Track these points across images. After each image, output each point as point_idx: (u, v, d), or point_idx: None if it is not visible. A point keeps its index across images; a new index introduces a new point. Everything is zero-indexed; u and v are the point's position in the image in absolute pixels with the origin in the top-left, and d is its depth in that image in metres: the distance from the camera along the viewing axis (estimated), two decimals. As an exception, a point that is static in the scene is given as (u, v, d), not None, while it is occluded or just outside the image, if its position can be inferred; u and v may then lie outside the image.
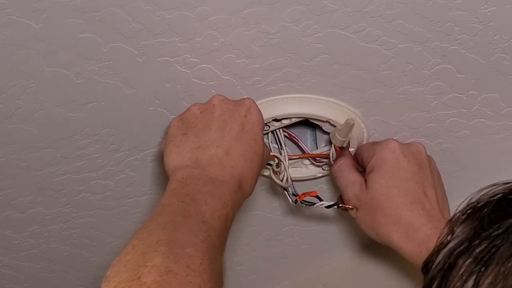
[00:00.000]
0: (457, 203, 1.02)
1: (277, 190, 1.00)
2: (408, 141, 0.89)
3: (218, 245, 0.64)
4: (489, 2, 0.71)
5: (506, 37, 0.76)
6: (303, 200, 0.85)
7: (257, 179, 0.76)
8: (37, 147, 0.90)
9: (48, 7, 0.70)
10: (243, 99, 0.79)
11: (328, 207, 0.85)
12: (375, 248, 1.12)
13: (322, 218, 1.07)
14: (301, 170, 0.94)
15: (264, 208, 1.04)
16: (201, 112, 0.75)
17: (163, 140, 0.82)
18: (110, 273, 0.59)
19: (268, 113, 0.84)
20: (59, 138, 0.89)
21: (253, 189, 0.75)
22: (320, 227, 1.09)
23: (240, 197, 0.72)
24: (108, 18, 0.72)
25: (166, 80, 0.81)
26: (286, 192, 0.87)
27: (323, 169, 0.93)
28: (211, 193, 0.68)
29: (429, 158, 0.85)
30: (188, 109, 0.77)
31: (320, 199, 0.85)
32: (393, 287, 1.08)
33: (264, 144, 0.77)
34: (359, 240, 1.12)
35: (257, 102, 0.83)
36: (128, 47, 0.76)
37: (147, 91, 0.83)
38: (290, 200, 0.86)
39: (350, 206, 0.83)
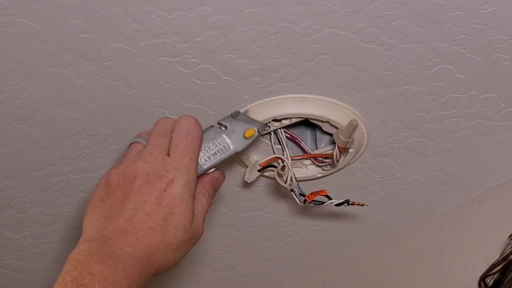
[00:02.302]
0: (456, 203, 1.03)
1: (277, 190, 1.00)
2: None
3: None
4: (489, 2, 0.72)
5: (506, 37, 0.76)
6: (312, 200, 0.84)
7: (177, 250, 0.72)
8: (37, 147, 0.90)
9: (48, 7, 0.71)
10: (167, 172, 0.73)
11: (337, 205, 0.84)
12: (375, 248, 1.12)
13: (321, 218, 1.07)
14: (301, 171, 0.94)
15: (264, 209, 1.04)
16: (123, 180, 0.73)
17: None
18: None
19: (268, 113, 0.84)
20: (59, 138, 0.89)
21: (170, 263, 0.72)
22: (319, 227, 1.09)
23: (146, 270, 0.69)
24: (108, 18, 0.72)
25: (166, 80, 0.81)
26: (293, 193, 0.86)
27: (323, 170, 0.93)
28: (101, 275, 0.65)
29: None
30: (109, 174, 0.74)
31: (329, 198, 0.84)
32: (393, 287, 1.08)
33: (192, 218, 0.73)
34: (359, 240, 1.12)
35: (257, 102, 0.84)
36: (128, 47, 0.76)
37: (147, 91, 0.83)
38: (298, 201, 0.85)
39: (361, 203, 0.83)
